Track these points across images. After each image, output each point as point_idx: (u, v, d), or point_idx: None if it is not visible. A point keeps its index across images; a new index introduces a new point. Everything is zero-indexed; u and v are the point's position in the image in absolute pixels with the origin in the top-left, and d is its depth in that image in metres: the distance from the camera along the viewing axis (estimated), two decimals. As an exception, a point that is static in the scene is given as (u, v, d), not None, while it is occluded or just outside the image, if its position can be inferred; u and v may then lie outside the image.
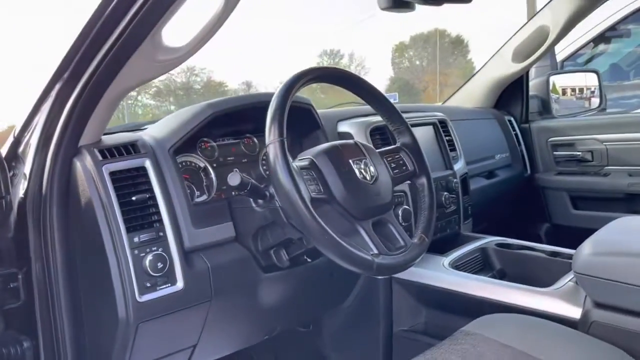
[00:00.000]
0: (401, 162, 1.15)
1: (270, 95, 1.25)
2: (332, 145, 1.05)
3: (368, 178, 1.03)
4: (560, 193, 2.20)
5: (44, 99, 1.00)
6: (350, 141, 1.10)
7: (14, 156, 1.05)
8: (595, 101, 2.57)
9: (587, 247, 1.14)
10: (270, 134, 0.93)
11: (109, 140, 1.06)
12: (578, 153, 2.15)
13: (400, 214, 1.38)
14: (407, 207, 1.41)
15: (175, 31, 0.93)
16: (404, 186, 1.39)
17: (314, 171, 1.00)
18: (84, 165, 0.98)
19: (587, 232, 2.05)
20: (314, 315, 1.49)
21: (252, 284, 1.14)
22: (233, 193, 1.22)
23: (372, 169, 1.05)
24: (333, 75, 1.08)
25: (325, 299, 1.42)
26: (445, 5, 1.31)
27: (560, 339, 1.07)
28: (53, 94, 0.99)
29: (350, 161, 1.02)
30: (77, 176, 0.99)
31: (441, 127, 1.67)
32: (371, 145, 1.13)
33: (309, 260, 1.18)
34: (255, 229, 1.12)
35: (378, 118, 1.50)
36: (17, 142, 1.06)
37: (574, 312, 1.14)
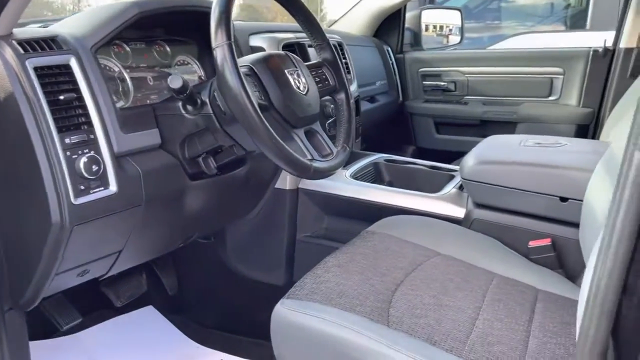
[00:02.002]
0: (324, 76, 1.22)
1: (204, 0, 1.23)
2: (268, 54, 1.08)
3: (301, 88, 1.09)
4: (426, 119, 2.46)
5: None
6: (282, 52, 1.13)
7: None
8: (453, 39, 2.86)
9: (471, 158, 1.34)
10: (218, 37, 0.93)
11: (22, 33, 0.96)
12: (443, 83, 2.40)
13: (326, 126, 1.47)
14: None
15: None
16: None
17: (253, 78, 1.02)
18: (3, 59, 0.89)
19: (446, 154, 2.35)
20: (222, 225, 1.54)
21: (178, 190, 1.15)
22: (151, 99, 1.19)
23: (304, 80, 1.10)
24: None
25: (236, 209, 1.48)
26: None
27: (448, 233, 1.28)
28: None
29: (286, 71, 1.07)
30: None
31: (340, 50, 1.76)
32: (299, 58, 1.17)
33: (233, 169, 1.22)
34: (183, 136, 1.12)
35: (289, 35, 1.53)
36: None
37: (459, 212, 1.36)
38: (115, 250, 1.10)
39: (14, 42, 0.91)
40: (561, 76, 2.17)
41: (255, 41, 1.45)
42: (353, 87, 1.79)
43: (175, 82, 0.99)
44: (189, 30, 1.31)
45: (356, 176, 1.56)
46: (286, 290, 1.02)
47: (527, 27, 5.29)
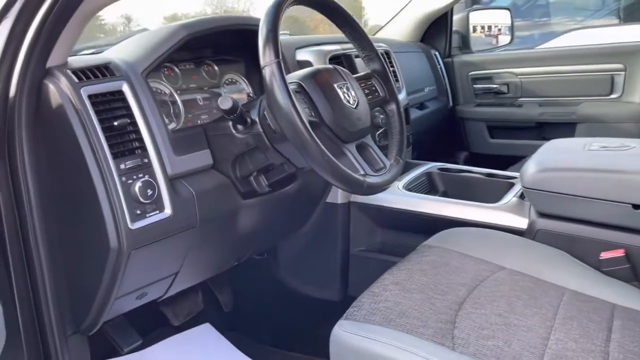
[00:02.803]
0: (373, 88, 1.19)
1: (249, 18, 1.23)
2: (316, 70, 1.06)
3: (351, 102, 1.06)
4: (478, 124, 2.39)
5: (3, 15, 0.89)
6: (330, 66, 1.11)
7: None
8: (503, 38, 2.76)
9: (531, 165, 1.28)
10: (266, 56, 0.91)
11: (76, 62, 0.98)
12: (495, 86, 2.32)
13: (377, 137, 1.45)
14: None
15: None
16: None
17: (302, 95, 1.01)
18: (58, 88, 0.91)
19: (501, 159, 2.27)
20: (275, 241, 1.53)
21: (232, 210, 1.15)
22: (201, 119, 1.20)
23: (353, 93, 1.08)
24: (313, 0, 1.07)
25: (288, 225, 1.47)
26: None
27: (511, 245, 1.22)
28: (14, 9, 0.88)
29: (335, 86, 1.04)
30: (51, 100, 0.91)
31: (387, 58, 1.73)
32: (348, 71, 1.15)
33: (285, 186, 1.21)
34: (235, 156, 1.11)
35: (335, 47, 1.51)
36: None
37: (521, 223, 1.29)
38: (172, 272, 1.11)
39: (68, 71, 0.93)
40: (622, 72, 2.06)
41: (301, 55, 1.44)
42: (402, 96, 1.75)
43: (225, 103, 0.99)
44: (235, 49, 1.31)
45: (409, 187, 1.52)
46: (341, 306, 1.00)
47: (578, 22, 5.08)
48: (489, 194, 1.46)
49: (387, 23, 2.40)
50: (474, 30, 2.61)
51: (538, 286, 1.04)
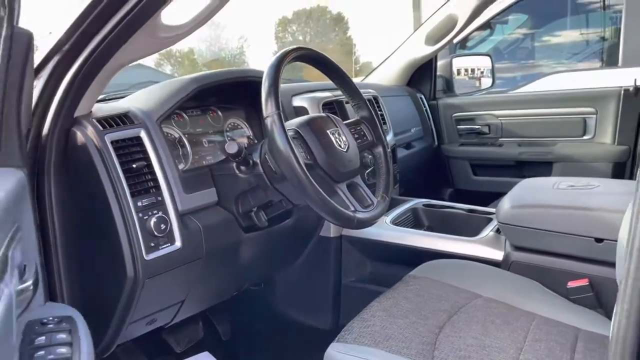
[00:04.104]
0: (362, 133, 1.33)
1: (250, 71, 1.37)
2: (311, 118, 1.20)
3: (342, 146, 1.19)
4: (462, 162, 2.53)
5: (38, 71, 1.02)
6: (323, 114, 1.25)
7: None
8: (485, 81, 2.94)
9: (506, 202, 1.41)
10: (268, 108, 1.05)
11: (100, 111, 1.11)
12: (477, 127, 2.48)
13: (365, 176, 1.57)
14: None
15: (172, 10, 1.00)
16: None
17: (299, 140, 1.14)
18: (85, 136, 1.03)
19: (484, 195, 2.40)
20: (272, 272, 1.64)
21: (234, 243, 1.26)
22: (207, 160, 1.32)
23: (344, 138, 1.21)
24: (310, 56, 1.22)
25: (285, 257, 1.58)
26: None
27: (488, 276, 1.34)
28: (50, 66, 1.01)
29: (328, 132, 1.18)
30: (78, 145, 1.04)
31: (375, 103, 1.87)
32: (339, 118, 1.28)
33: (282, 221, 1.33)
34: (237, 193, 1.23)
35: (327, 93, 1.66)
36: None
37: (497, 255, 1.42)
38: (178, 300, 1.21)
39: (94, 120, 1.05)
40: (594, 115, 2.22)
41: (297, 101, 1.58)
42: (389, 137, 1.90)
43: (231, 148, 1.12)
44: (237, 97, 1.45)
45: (396, 222, 1.64)
46: (333, 334, 1.10)
47: (562, 63, 5.30)
48: (470, 228, 1.59)
49: (375, 69, 2.56)
50: (458, 72, 2.79)
51: (511, 312, 1.16)
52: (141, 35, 0.98)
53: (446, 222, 1.72)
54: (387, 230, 1.58)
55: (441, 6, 2.32)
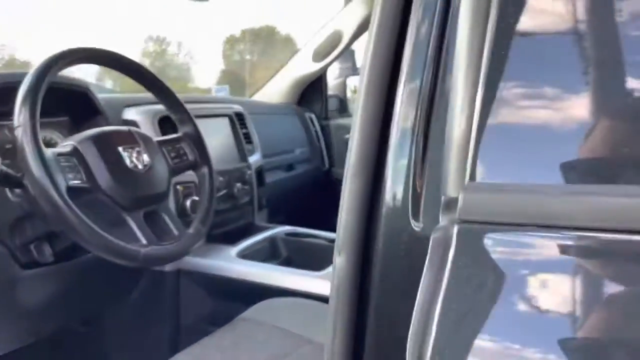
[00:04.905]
0: (182, 151, 1.14)
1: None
2: (100, 131, 1.00)
3: (140, 167, 1.00)
4: (353, 186, 2.39)
5: None
6: (123, 128, 1.06)
7: None
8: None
9: None
10: (20, 117, 0.84)
11: None
12: (369, 150, 2.35)
13: (188, 205, 1.36)
14: (196, 198, 1.40)
15: None
16: (194, 177, 1.38)
17: (76, 158, 0.93)
18: None
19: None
20: (93, 311, 1.40)
21: (8, 282, 1.03)
22: None
23: (145, 157, 1.02)
24: (102, 56, 1.02)
25: (105, 294, 1.35)
26: None
27: (325, 317, 1.16)
28: None
29: (120, 148, 0.98)
30: None
31: (238, 120, 1.70)
32: (148, 134, 1.09)
33: (78, 254, 1.11)
34: (12, 221, 1.01)
35: (167, 107, 1.47)
36: None
37: (342, 293, 1.25)
38: None
39: None
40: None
41: (129, 114, 1.37)
42: (255, 158, 1.72)
43: None
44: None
45: (245, 254, 1.45)
46: None
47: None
48: (325, 260, 1.42)
49: (263, 85, 2.40)
50: (355, 92, 2.68)
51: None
52: None
53: (306, 253, 1.55)
54: (231, 264, 1.39)
55: (327, 22, 2.20)
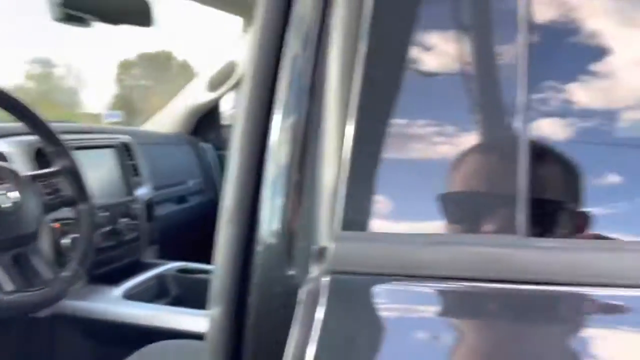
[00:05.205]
0: (57, 187, 1.05)
1: None
2: None
3: (7, 205, 0.91)
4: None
5: None
6: None
7: None
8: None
9: None
10: None
11: None
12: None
13: (67, 244, 1.25)
14: (76, 235, 1.30)
15: None
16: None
17: None
18: None
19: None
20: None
21: None
22: None
23: (12, 195, 0.93)
24: None
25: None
26: (129, 27, 1.27)
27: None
28: None
29: (-18, 186, 0.89)
30: None
31: (125, 151, 1.61)
32: (20, 168, 1.00)
33: None
34: None
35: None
36: None
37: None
38: None
39: None
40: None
41: (-1, 146, 1.25)
42: (143, 191, 1.64)
43: None
44: None
45: (131, 294, 1.36)
46: None
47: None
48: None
49: (156, 114, 2.32)
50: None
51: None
52: None
53: (198, 290, 1.48)
54: (114, 306, 1.30)
55: (222, 52, 2.18)
